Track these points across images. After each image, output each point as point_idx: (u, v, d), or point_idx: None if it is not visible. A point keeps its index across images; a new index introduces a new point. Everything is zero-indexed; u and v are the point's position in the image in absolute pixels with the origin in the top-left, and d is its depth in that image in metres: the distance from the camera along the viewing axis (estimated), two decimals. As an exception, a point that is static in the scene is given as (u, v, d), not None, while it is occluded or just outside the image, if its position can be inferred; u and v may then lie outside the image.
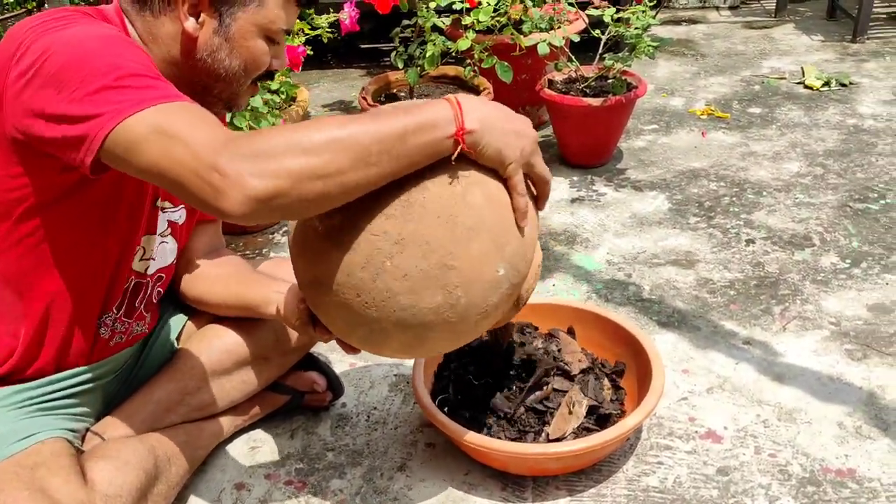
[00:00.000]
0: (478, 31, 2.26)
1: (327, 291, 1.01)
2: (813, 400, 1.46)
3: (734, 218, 2.08)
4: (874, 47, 3.22)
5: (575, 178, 2.34)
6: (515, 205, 1.01)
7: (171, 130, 0.87)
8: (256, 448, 1.42)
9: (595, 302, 1.77)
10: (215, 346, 1.35)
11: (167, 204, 1.23)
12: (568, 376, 1.38)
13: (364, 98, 2.28)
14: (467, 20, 2.21)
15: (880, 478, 1.29)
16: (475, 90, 2.35)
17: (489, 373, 1.39)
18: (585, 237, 2.03)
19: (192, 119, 0.89)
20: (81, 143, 0.91)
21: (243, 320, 1.35)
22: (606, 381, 1.42)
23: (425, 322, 0.99)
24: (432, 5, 2.18)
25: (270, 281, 1.31)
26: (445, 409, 1.36)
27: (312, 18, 2.09)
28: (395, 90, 2.46)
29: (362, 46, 3.43)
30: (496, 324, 1.17)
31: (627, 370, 1.45)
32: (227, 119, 1.59)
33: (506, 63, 2.17)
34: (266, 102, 1.70)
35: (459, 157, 0.96)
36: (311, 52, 2.04)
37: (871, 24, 3.31)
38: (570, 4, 2.42)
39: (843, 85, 2.85)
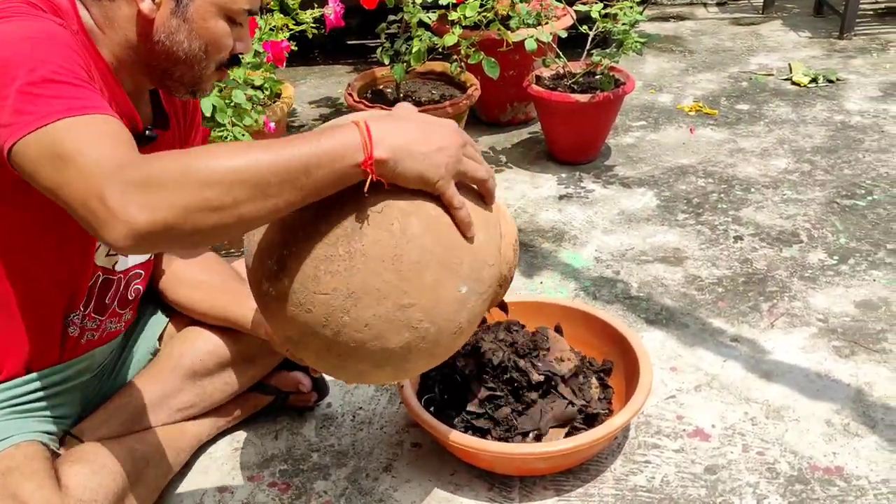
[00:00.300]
0: (464, 27, 2.24)
1: (300, 346, 1.01)
2: (801, 397, 1.46)
3: (722, 215, 2.07)
4: (861, 44, 3.22)
5: (563, 175, 2.32)
6: (456, 219, 0.95)
7: (65, 152, 0.83)
8: (240, 449, 1.40)
9: (583, 299, 1.76)
10: (197, 346, 1.32)
11: None
12: (530, 384, 1.35)
13: (350, 94, 2.26)
14: (454, 16, 2.19)
15: (868, 475, 1.28)
16: (462, 86, 2.33)
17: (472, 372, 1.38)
18: (573, 234, 2.02)
19: (92, 139, 0.84)
20: None
21: (226, 321, 1.33)
22: (594, 380, 1.41)
23: (400, 356, 0.98)
24: (418, 1, 2.16)
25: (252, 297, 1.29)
26: (431, 408, 1.34)
27: (297, 14, 2.06)
28: (381, 86, 2.44)
29: (349, 43, 3.40)
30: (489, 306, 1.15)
31: (615, 368, 1.44)
32: (209, 114, 1.57)
33: (493, 59, 2.16)
34: (249, 98, 1.67)
35: (379, 185, 0.91)
36: (296, 48, 2.02)
37: (857, 20, 3.31)
38: (558, 0, 2.41)
39: (831, 81, 2.85)
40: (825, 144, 2.42)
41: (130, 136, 0.89)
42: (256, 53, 1.76)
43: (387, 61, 2.22)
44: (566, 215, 2.11)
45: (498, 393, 1.33)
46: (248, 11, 1.07)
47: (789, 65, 2.99)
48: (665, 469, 1.31)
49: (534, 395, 1.34)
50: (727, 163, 2.34)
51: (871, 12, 3.55)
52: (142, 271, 1.24)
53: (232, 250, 1.99)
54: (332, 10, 2.08)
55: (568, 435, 1.29)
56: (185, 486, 1.32)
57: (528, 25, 2.26)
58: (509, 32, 2.21)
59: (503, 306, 1.28)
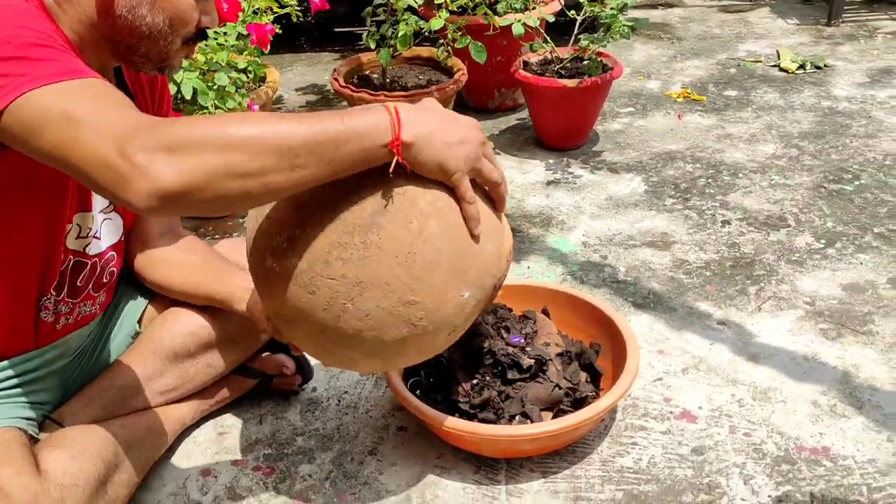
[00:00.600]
0: (451, 11, 2.22)
1: (292, 326, 1.00)
2: (787, 379, 1.45)
3: (710, 199, 2.07)
4: (849, 31, 3.22)
5: (551, 161, 2.31)
6: (466, 213, 0.96)
7: (73, 112, 0.81)
8: (224, 434, 1.38)
9: (570, 284, 1.75)
10: (178, 328, 1.31)
11: None
12: (520, 369, 1.34)
13: (336, 80, 2.24)
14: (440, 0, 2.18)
15: (854, 455, 1.28)
16: (449, 71, 2.31)
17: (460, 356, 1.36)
18: (561, 219, 2.01)
19: (99, 99, 0.83)
20: None
21: (208, 303, 1.31)
22: (578, 365, 1.40)
23: (393, 349, 0.99)
24: (405, -16, 2.14)
25: (236, 273, 1.27)
26: (417, 392, 1.33)
27: (281, -3, 2.04)
28: (367, 72, 2.42)
29: (336, 30, 3.37)
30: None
31: (602, 351, 1.43)
32: (190, 96, 1.54)
33: (479, 43, 2.14)
34: (233, 82, 1.65)
35: (403, 170, 0.92)
36: (281, 32, 1.99)
37: (845, 7, 3.31)
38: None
39: (819, 68, 2.85)
40: (813, 130, 2.42)
41: (132, 103, 0.87)
42: (240, 36, 1.73)
43: (373, 46, 2.20)
44: (554, 201, 2.10)
45: (486, 379, 1.32)
46: None
47: (777, 51, 2.99)
48: (652, 450, 1.31)
49: (521, 379, 1.33)
50: (715, 148, 2.33)
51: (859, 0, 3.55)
52: (114, 253, 1.22)
53: (217, 235, 1.97)
54: (318, -7, 2.05)
55: (555, 418, 1.28)
56: (169, 470, 1.31)
57: (516, 10, 2.25)
58: (496, 17, 2.20)
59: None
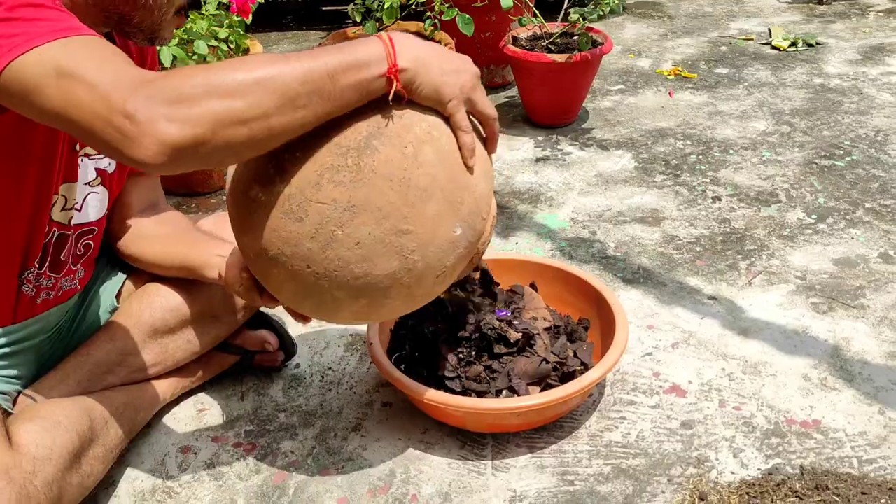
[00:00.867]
0: (439, -15, 2.18)
1: (274, 264, 0.96)
2: (778, 353, 1.43)
3: (701, 176, 2.04)
4: (840, 9, 3.20)
5: (540, 138, 2.28)
6: (461, 142, 0.96)
7: (73, 70, 0.79)
8: (204, 410, 1.35)
9: (559, 259, 1.72)
10: (158, 303, 1.27)
11: (90, 150, 1.14)
12: (507, 343, 1.31)
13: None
14: (428, -27, 2.13)
15: (845, 428, 1.26)
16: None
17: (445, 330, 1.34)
18: (550, 196, 1.98)
19: (98, 56, 0.81)
20: None
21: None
22: (565, 340, 1.37)
23: (380, 288, 0.95)
24: (391, -43, 2.10)
25: (212, 242, 1.24)
26: (402, 366, 1.31)
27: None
28: (354, 47, 2.37)
29: (323, 9, 3.32)
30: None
31: (591, 326, 1.41)
32: (169, 64, 1.50)
33: (467, 16, 2.10)
34: (214, 52, 1.61)
35: (399, 101, 0.91)
36: (264, 2, 1.95)
37: (838, -14, 3.28)
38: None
39: (810, 45, 2.82)
40: (804, 107, 2.39)
41: (130, 58, 0.85)
42: (220, 5, 1.69)
43: (358, 19, 2.16)
44: (543, 177, 2.07)
45: (472, 353, 1.30)
46: None
47: (769, 29, 2.96)
48: (641, 425, 1.29)
49: (507, 353, 1.31)
50: (706, 125, 2.31)
51: (851, -21, 3.52)
52: (96, 227, 1.19)
53: (200, 213, 1.93)
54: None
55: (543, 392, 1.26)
56: (147, 447, 1.28)
57: (504, -17, 2.20)
58: (484, -11, 2.16)
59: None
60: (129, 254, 1.29)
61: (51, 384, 1.19)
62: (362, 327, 1.52)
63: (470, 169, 0.96)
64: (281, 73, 0.82)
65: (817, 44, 2.83)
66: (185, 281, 1.28)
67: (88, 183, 1.15)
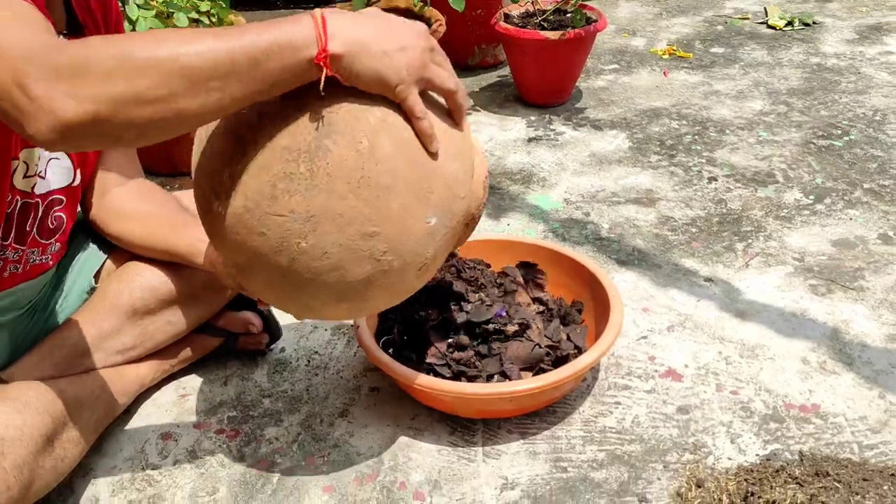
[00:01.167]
0: (429, -40, 2.12)
1: (249, 274, 0.92)
2: (776, 336, 1.40)
3: (696, 156, 2.00)
4: (837, -11, 3.15)
5: (532, 118, 2.23)
6: (417, 129, 0.87)
7: None
8: (186, 396, 1.31)
9: (552, 241, 1.68)
10: (137, 283, 1.23)
11: None
12: (505, 337, 1.27)
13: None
14: (418, -53, 2.08)
15: (845, 413, 1.23)
16: (426, 23, 2.21)
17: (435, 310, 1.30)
18: (542, 176, 1.94)
19: (8, 22, 0.75)
20: None
21: (169, 257, 1.23)
22: (559, 323, 1.33)
23: (359, 291, 0.90)
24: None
25: (198, 226, 1.19)
26: (390, 350, 1.27)
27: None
28: (342, 24, 2.31)
29: (311, -14, 3.25)
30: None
31: (585, 309, 1.37)
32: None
33: (458, -8, 2.05)
34: (194, 23, 1.55)
35: (341, 87, 0.83)
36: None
37: (834, -35, 3.23)
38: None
39: (807, 25, 2.78)
40: (801, 86, 2.35)
41: (49, 24, 0.79)
42: (202, -23, 1.63)
43: (346, -6, 2.10)
44: (535, 158, 2.03)
45: (462, 337, 1.26)
46: None
47: (765, 8, 2.91)
48: (636, 410, 1.25)
49: (499, 339, 1.27)
50: (701, 105, 2.27)
51: (848, -42, 3.48)
52: (63, 197, 1.13)
53: (177, 185, 1.88)
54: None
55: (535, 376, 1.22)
56: (126, 432, 1.24)
57: (496, -42, 2.15)
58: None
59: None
60: (111, 233, 1.24)
61: (25, 367, 1.15)
62: (350, 310, 1.48)
63: (434, 155, 0.89)
64: (195, 52, 0.75)
65: (814, 23, 2.79)
66: (167, 260, 1.23)
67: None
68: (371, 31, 0.83)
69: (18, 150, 1.03)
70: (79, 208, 1.22)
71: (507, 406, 1.20)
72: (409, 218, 0.87)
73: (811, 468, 1.10)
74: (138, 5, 1.41)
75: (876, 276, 1.54)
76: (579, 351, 1.28)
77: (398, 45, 0.84)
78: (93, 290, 1.26)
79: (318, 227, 0.84)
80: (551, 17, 2.23)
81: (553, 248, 1.44)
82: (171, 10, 1.50)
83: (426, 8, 2.16)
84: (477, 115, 2.26)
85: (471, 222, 1.03)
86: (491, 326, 1.26)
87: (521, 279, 1.40)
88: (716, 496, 1.08)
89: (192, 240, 1.17)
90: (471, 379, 1.22)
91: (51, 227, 1.13)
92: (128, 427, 1.25)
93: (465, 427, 1.23)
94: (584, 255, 1.45)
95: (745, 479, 1.09)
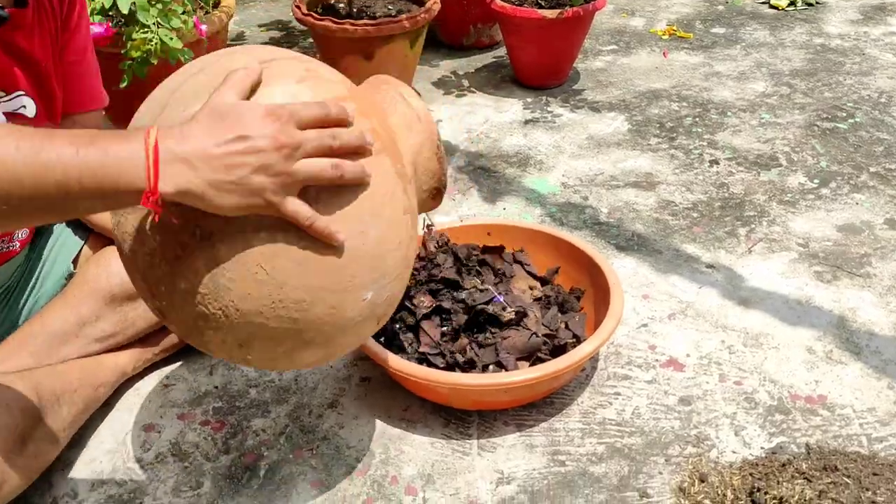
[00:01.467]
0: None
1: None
2: (781, 324, 1.36)
3: (697, 139, 1.95)
4: (840, -31, 3.09)
5: (529, 100, 2.18)
6: (313, 234, 0.76)
7: None
8: (170, 385, 1.26)
9: (549, 225, 1.63)
10: (116, 268, 1.17)
11: None
12: (499, 324, 1.23)
13: (298, 7, 2.07)
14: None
15: (853, 404, 1.19)
16: (421, 0, 2.15)
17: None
18: (539, 160, 1.89)
19: None
20: None
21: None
22: (557, 311, 1.29)
23: (326, 357, 0.90)
24: None
25: None
26: (382, 339, 1.22)
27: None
28: (332, 0, 2.25)
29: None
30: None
31: (584, 296, 1.32)
32: (126, 10, 1.38)
33: (453, -32, 1.98)
34: (181, 1, 1.49)
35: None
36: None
37: (837, -56, 3.17)
38: None
39: (810, 4, 2.72)
40: (804, 68, 2.30)
41: None
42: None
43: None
44: (532, 140, 1.97)
45: (457, 326, 1.21)
46: None
47: (767, -12, 2.85)
48: (636, 401, 1.21)
49: (495, 326, 1.22)
50: (702, 86, 2.21)
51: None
52: None
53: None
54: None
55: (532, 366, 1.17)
56: (107, 424, 1.19)
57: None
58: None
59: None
60: (87, 217, 1.18)
61: (1, 356, 1.10)
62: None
63: (340, 246, 0.78)
64: (14, 159, 0.65)
65: (817, 2, 2.73)
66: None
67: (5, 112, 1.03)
68: (210, 154, 0.70)
69: None
70: None
71: (504, 397, 1.16)
72: (339, 312, 0.82)
73: (819, 462, 1.06)
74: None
75: (883, 262, 1.50)
76: (578, 340, 1.23)
77: (250, 167, 0.71)
78: (71, 275, 1.21)
79: (254, 350, 0.83)
80: (549, -5, 2.17)
81: (552, 233, 1.39)
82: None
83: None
84: (472, 95, 2.21)
85: (436, 195, 0.98)
86: (490, 308, 1.21)
87: (517, 264, 1.35)
88: (720, 491, 1.04)
89: None
90: (465, 369, 1.17)
91: None
92: (109, 418, 1.20)
93: (460, 419, 1.19)
94: (582, 240, 1.40)
95: (751, 474, 1.05)
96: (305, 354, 0.85)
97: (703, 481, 1.06)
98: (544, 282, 1.34)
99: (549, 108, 2.13)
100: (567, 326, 1.26)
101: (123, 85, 1.53)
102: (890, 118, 2.01)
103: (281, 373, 1.27)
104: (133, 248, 0.80)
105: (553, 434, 1.16)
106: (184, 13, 1.50)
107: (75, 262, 1.22)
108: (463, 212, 1.69)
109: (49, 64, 1.06)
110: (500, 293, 1.25)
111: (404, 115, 0.92)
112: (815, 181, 1.76)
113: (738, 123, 2.01)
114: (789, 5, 2.71)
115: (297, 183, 0.74)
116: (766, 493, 1.01)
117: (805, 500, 0.98)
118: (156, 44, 1.42)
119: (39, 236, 1.18)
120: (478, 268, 1.30)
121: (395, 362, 1.12)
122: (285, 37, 2.62)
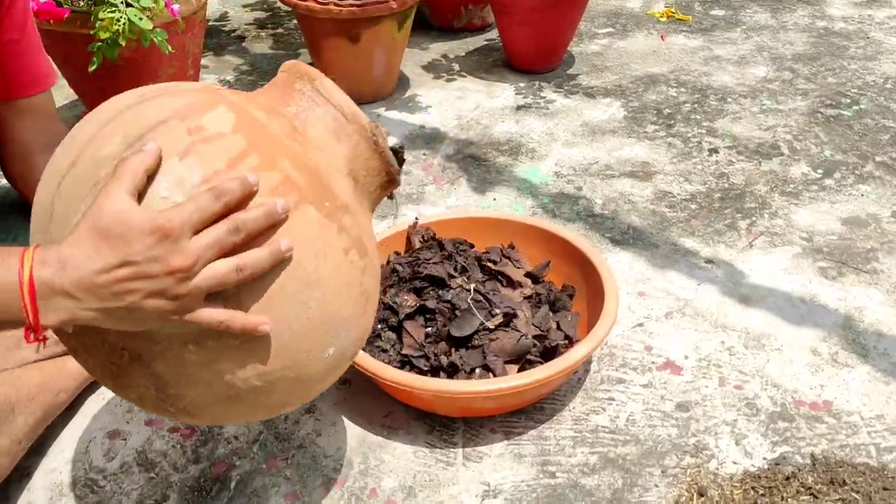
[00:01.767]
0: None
1: None
2: (783, 324, 1.29)
3: (696, 126, 1.87)
4: (843, -51, 3.00)
5: (521, 85, 2.10)
6: (235, 334, 0.68)
7: None
8: (137, 389, 1.19)
9: (541, 217, 1.56)
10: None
11: None
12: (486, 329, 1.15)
13: (280, -13, 1.98)
14: None
15: (860, 410, 1.12)
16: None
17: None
18: (531, 147, 1.81)
19: None
20: None
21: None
22: (548, 310, 1.22)
23: (304, 398, 0.85)
24: None
25: None
26: (362, 340, 1.15)
27: None
28: (318, -19, 2.15)
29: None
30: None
31: (577, 294, 1.25)
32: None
33: (443, -53, 1.90)
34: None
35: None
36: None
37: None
38: None
39: (812, -13, 2.64)
40: (807, 52, 2.22)
41: None
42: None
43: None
44: (524, 127, 1.90)
45: (441, 327, 1.14)
46: None
47: (768, -31, 2.77)
48: (631, 406, 1.14)
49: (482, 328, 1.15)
50: (701, 71, 2.13)
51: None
52: None
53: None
54: None
55: (521, 370, 1.10)
56: (69, 432, 1.12)
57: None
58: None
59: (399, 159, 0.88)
60: None
61: (-49, 363, 1.02)
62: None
63: (266, 336, 0.69)
64: None
65: (819, -15, 2.65)
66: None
67: None
68: (92, 274, 0.63)
69: None
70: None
71: (491, 404, 1.09)
72: (304, 376, 0.75)
73: (825, 475, 1.00)
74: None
75: (890, 257, 1.43)
76: (570, 341, 1.16)
77: (138, 284, 0.63)
78: (30, 273, 1.13)
79: (227, 421, 0.83)
80: (543, -25, 2.08)
81: (543, 227, 1.32)
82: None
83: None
84: (463, 81, 2.12)
85: (388, 184, 0.85)
86: (476, 324, 1.14)
87: (506, 260, 1.28)
88: (720, 507, 0.97)
89: None
90: (450, 374, 1.10)
91: None
92: (71, 425, 1.13)
93: (444, 426, 1.12)
94: (576, 234, 1.33)
95: (753, 488, 0.99)
96: (281, 410, 0.81)
97: (702, 495, 0.99)
98: (535, 279, 1.27)
99: (542, 94, 2.05)
100: (559, 327, 1.19)
101: (92, 68, 1.45)
102: (896, 105, 1.94)
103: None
104: (81, 359, 0.77)
105: (543, 443, 1.09)
106: (155, -8, 1.41)
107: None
108: (451, 203, 1.61)
109: None
110: (487, 292, 1.18)
111: (326, 121, 0.78)
112: (819, 171, 1.69)
113: (738, 110, 1.94)
114: (791, -13, 2.63)
115: (199, 297, 0.66)
116: (769, 510, 0.94)
117: (811, 518, 0.92)
118: (124, 23, 1.33)
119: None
120: (465, 265, 1.23)
121: (375, 367, 1.05)
122: (269, 17, 2.53)
